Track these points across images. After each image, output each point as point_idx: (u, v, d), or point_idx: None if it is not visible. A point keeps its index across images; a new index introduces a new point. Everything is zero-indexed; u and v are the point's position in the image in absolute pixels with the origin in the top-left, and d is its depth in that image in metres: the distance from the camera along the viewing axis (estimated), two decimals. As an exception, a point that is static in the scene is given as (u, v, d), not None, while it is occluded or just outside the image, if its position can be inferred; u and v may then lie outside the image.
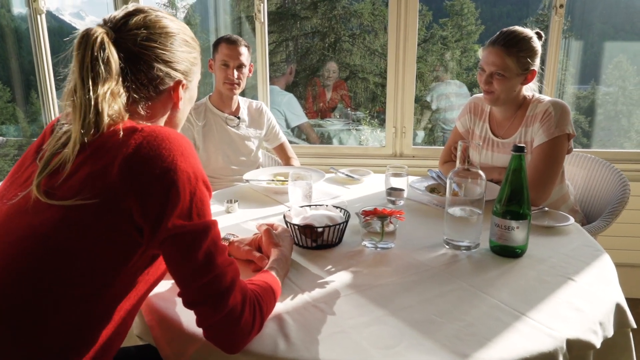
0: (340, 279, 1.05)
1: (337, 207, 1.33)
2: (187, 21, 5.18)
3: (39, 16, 1.96)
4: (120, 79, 0.82)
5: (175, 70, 0.90)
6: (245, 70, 2.11)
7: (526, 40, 1.61)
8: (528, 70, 1.63)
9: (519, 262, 1.14)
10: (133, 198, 0.73)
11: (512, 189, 1.14)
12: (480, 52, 1.71)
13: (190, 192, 0.75)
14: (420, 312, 0.91)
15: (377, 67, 6.26)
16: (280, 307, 0.93)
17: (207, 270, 0.75)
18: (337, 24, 7.17)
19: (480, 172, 1.18)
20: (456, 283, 1.03)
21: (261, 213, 1.53)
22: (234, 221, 1.44)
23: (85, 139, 0.77)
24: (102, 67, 0.78)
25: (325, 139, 3.45)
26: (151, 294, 0.93)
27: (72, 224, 0.73)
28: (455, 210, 1.19)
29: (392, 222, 1.20)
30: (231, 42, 2.04)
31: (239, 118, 2.20)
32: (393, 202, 1.59)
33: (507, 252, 1.16)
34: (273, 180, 1.80)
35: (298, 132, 3.37)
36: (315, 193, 1.71)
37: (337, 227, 1.21)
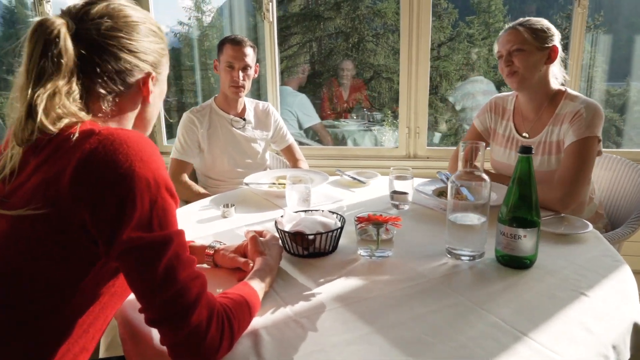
0: (329, 290, 0.98)
1: (333, 213, 1.25)
2: (213, 24, 5.18)
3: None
4: (75, 76, 0.76)
5: (143, 61, 0.84)
6: (251, 72, 2.06)
7: (539, 20, 1.56)
8: (548, 45, 1.55)
9: (527, 273, 1.04)
10: (85, 208, 0.68)
11: (519, 193, 1.05)
12: (495, 46, 1.63)
13: (150, 201, 0.69)
14: (410, 330, 0.83)
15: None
16: (258, 321, 0.86)
17: (168, 286, 0.69)
18: (360, 24, 7.09)
19: (484, 175, 1.09)
20: (454, 297, 0.94)
21: (259, 218, 1.47)
22: (228, 227, 1.39)
23: (31, 139, 0.72)
24: (50, 63, 0.73)
25: (340, 141, 3.37)
26: (127, 304, 0.88)
27: (21, 236, 0.69)
28: (457, 217, 1.10)
29: (389, 230, 1.12)
30: (236, 43, 1.99)
31: (244, 119, 2.16)
32: (397, 207, 1.50)
33: (515, 262, 1.06)
34: (274, 184, 1.74)
35: (311, 134, 3.30)
36: (317, 196, 1.65)
37: (330, 234, 1.14)
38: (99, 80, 0.79)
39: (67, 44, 0.74)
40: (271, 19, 2.55)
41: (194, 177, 2.21)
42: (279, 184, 1.74)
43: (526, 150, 1.04)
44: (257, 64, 2.12)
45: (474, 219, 1.10)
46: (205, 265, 1.10)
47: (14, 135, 0.74)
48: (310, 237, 1.12)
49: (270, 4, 2.52)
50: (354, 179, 1.83)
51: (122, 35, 0.80)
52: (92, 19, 0.78)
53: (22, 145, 0.73)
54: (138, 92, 0.87)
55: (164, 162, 0.75)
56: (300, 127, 3.17)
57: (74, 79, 0.76)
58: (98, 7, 0.79)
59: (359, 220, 1.13)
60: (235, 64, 2.00)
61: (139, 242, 0.68)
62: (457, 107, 3.84)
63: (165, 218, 0.71)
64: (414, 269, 1.07)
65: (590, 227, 1.25)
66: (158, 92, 0.92)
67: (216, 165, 2.12)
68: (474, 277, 1.03)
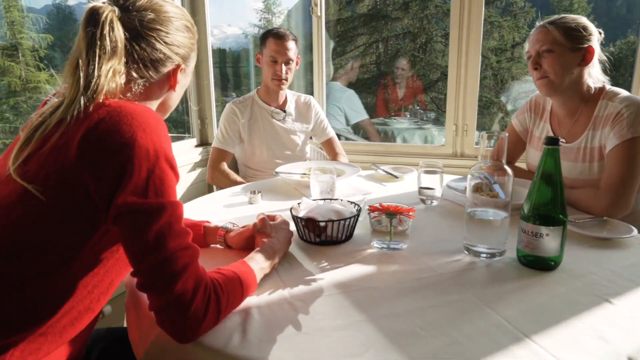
0: (332, 277, 0.97)
1: (352, 203, 1.23)
2: (282, 25, 5.29)
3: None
4: (124, 58, 0.83)
5: (176, 53, 0.91)
6: (293, 65, 2.08)
7: (575, 19, 1.40)
8: (583, 46, 1.39)
9: (548, 275, 0.96)
10: (88, 173, 0.72)
11: (543, 189, 0.97)
12: (525, 45, 1.50)
13: (148, 169, 0.72)
14: (405, 322, 0.79)
15: None
16: (253, 300, 0.87)
17: (157, 252, 0.72)
18: (428, 24, 6.93)
19: (507, 168, 1.02)
20: (460, 294, 0.89)
21: (284, 206, 1.48)
22: (252, 212, 1.41)
23: (75, 111, 0.77)
24: (109, 45, 0.79)
25: (389, 138, 3.31)
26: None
27: (32, 197, 0.74)
28: (476, 211, 1.04)
29: (402, 221, 1.08)
30: (279, 37, 2.02)
31: (285, 112, 2.18)
32: (424, 202, 1.45)
33: (536, 263, 0.98)
34: (305, 174, 1.74)
35: (359, 131, 3.27)
36: (346, 188, 1.63)
37: (343, 223, 1.12)
38: (135, 65, 0.85)
39: (119, 28, 0.81)
40: (319, 14, 2.55)
41: (235, 166, 2.28)
42: (310, 174, 1.73)
43: (552, 141, 0.95)
44: (299, 56, 2.13)
45: (494, 214, 1.03)
46: (218, 246, 1.13)
47: (60, 109, 0.78)
48: (322, 224, 1.11)
49: (319, -2, 2.53)
50: (388, 173, 1.79)
51: (160, 28, 0.87)
52: (137, 10, 0.85)
53: (70, 120, 0.77)
54: (166, 80, 0.92)
55: (167, 136, 0.78)
56: (348, 123, 3.16)
57: (123, 61, 0.82)
58: (143, 1, 0.86)
59: (371, 209, 1.10)
60: (279, 58, 2.02)
61: (132, 207, 0.71)
62: (509, 107, 3.63)
63: (162, 187, 0.74)
64: (425, 263, 1.02)
65: (635, 232, 1.13)
66: (184, 82, 0.98)
67: (255, 156, 2.16)
68: (487, 275, 0.97)
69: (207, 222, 1.15)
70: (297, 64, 2.13)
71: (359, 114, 3.22)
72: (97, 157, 0.72)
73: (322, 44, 2.62)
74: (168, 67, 0.90)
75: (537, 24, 1.48)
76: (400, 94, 4.19)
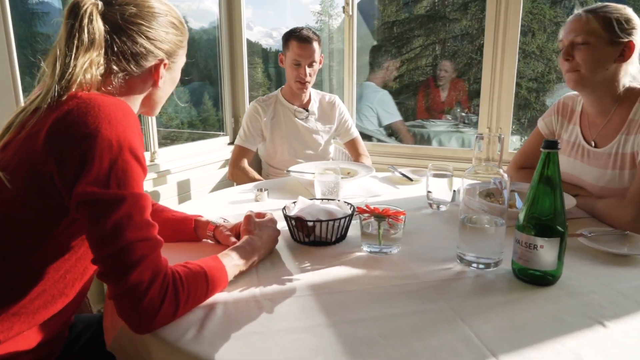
0: (309, 278, 0.94)
1: (348, 204, 1.20)
2: (339, 28, 5.31)
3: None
4: (103, 50, 0.85)
5: (159, 48, 0.92)
6: (317, 66, 2.07)
7: (619, 9, 1.26)
8: (623, 40, 1.25)
9: (542, 291, 0.88)
10: (53, 162, 0.74)
11: (540, 196, 0.89)
12: (560, 33, 1.38)
13: (110, 160, 0.73)
14: (367, 329, 0.75)
15: (533, 70, 5.65)
16: (221, 296, 0.86)
17: (114, 242, 0.73)
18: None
19: (502, 171, 0.94)
20: (437, 303, 0.83)
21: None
22: (254, 209, 1.41)
23: (49, 100, 0.80)
24: (87, 37, 0.82)
25: (425, 141, 3.21)
26: None
27: (3, 183, 0.77)
28: (470, 218, 0.97)
29: (393, 224, 1.04)
30: (302, 40, 2.01)
31: (307, 111, 2.17)
32: (431, 206, 1.38)
33: (532, 277, 0.90)
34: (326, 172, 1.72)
35: (393, 132, 3.19)
36: (357, 189, 1.60)
37: (332, 223, 1.09)
38: (115, 58, 0.87)
39: (98, 21, 0.83)
40: (350, 13, 2.52)
41: (258, 164, 2.30)
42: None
43: (551, 144, 0.87)
44: (322, 54, 2.12)
45: (488, 221, 0.96)
46: (209, 241, 1.14)
47: (39, 97, 0.82)
48: (310, 224, 1.09)
49: (351, -3, 2.50)
50: (403, 175, 1.73)
51: (142, 22, 0.88)
52: (119, 4, 0.87)
53: (44, 109, 0.81)
54: (149, 75, 0.93)
55: (135, 129, 0.78)
56: (380, 124, 3.10)
57: (102, 54, 0.85)
58: None
59: (359, 211, 1.06)
60: (302, 61, 2.02)
61: (92, 196, 0.73)
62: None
63: (125, 179, 0.75)
64: (412, 269, 0.97)
65: (657, 249, 1.01)
66: (169, 78, 0.99)
67: (277, 154, 2.17)
68: (474, 286, 0.90)
69: (199, 216, 1.16)
70: (320, 63, 2.12)
71: (392, 115, 3.15)
72: (62, 147, 0.74)
73: (353, 44, 2.59)
74: (150, 62, 0.91)
75: (576, 10, 1.35)
76: (443, 96, 4.05)
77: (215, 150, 2.71)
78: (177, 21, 0.95)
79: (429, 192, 1.38)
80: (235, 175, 2.09)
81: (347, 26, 2.57)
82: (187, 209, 1.41)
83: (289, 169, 1.75)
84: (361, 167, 1.80)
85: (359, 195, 1.55)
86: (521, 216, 0.91)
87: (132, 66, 0.89)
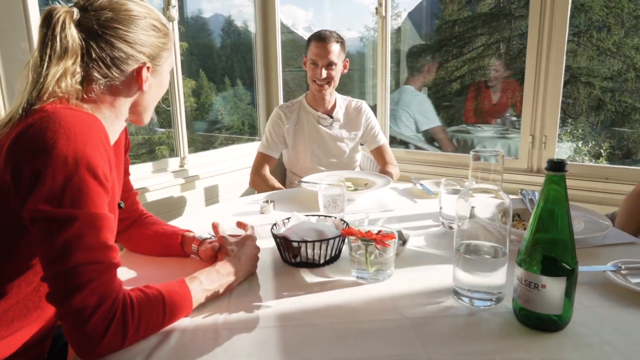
0: (281, 306, 0.86)
1: (344, 222, 1.11)
2: (398, 29, 5.21)
3: (171, 23, 2.23)
4: (79, 58, 0.83)
5: (139, 52, 0.89)
6: (337, 68, 1.98)
7: None
8: None
9: (543, 339, 0.74)
10: (10, 176, 0.73)
11: (544, 226, 0.75)
12: None
13: (64, 177, 0.70)
14: (322, 374, 0.67)
15: (608, 69, 5.21)
16: (183, 322, 0.81)
17: (60, 262, 0.69)
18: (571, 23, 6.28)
19: (500, 190, 0.82)
20: (413, 348, 0.73)
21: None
22: (258, 222, 1.35)
23: (20, 111, 0.79)
24: (59, 45, 0.80)
25: (468, 147, 3.00)
26: None
27: None
28: (466, 246, 0.85)
29: (379, 250, 0.94)
30: (320, 40, 1.94)
31: (332, 117, 2.09)
32: (443, 225, 1.26)
33: (536, 319, 0.76)
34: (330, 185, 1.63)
35: (432, 137, 3.01)
36: (370, 202, 1.50)
37: (319, 244, 1.00)
38: (94, 65, 0.85)
39: (71, 29, 0.81)
40: (384, 14, 2.41)
41: (283, 172, 2.25)
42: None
43: (557, 166, 0.73)
44: (347, 59, 2.03)
45: (487, 250, 0.84)
46: (197, 257, 1.09)
47: (14, 109, 0.81)
48: (295, 244, 1.01)
49: (384, -2, 2.39)
50: (424, 188, 1.60)
51: (119, 26, 0.85)
52: (94, 10, 0.85)
53: (14, 118, 0.79)
54: (133, 80, 0.90)
55: (98, 145, 0.75)
56: (418, 130, 2.93)
57: (78, 61, 0.83)
58: (102, 1, 0.85)
59: (345, 233, 0.97)
60: (319, 61, 1.95)
61: (41, 214, 0.70)
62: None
63: (80, 197, 0.71)
64: (396, 302, 0.87)
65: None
66: (155, 82, 0.95)
67: (299, 162, 2.11)
68: (463, 328, 0.78)
69: (188, 231, 1.12)
70: (345, 68, 2.03)
71: (430, 121, 2.97)
72: (19, 161, 0.73)
73: (387, 46, 2.47)
74: (132, 66, 0.88)
75: None
76: (495, 98, 3.80)
77: (245, 156, 2.69)
78: (158, 23, 0.92)
79: (440, 208, 1.26)
80: (255, 182, 2.05)
81: (380, 28, 2.46)
82: (189, 220, 1.39)
83: (301, 179, 1.68)
84: (379, 178, 1.69)
85: (371, 209, 1.45)
86: (521, 247, 0.78)
87: (113, 72, 0.86)
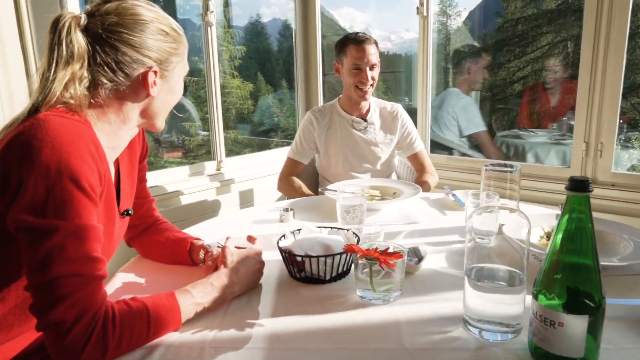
0: (273, 325, 0.82)
1: (356, 236, 1.05)
2: (457, 29, 5.07)
3: (209, 28, 2.26)
4: (86, 62, 0.83)
5: (145, 56, 0.87)
6: (377, 70, 1.92)
7: None
8: None
9: (559, 386, 0.64)
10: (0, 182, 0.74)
11: (564, 254, 0.65)
12: None
13: (46, 187, 0.70)
14: (299, 408, 0.61)
15: None
16: (171, 336, 0.78)
17: (40, 273, 0.69)
18: (634, 16, 5.84)
19: (524, 217, 0.72)
20: (404, 384, 0.65)
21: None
22: (273, 231, 1.31)
23: (24, 116, 0.80)
24: (65, 50, 0.81)
25: (518, 154, 2.79)
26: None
27: None
28: (477, 270, 0.76)
29: (386, 269, 0.86)
30: (360, 42, 1.87)
31: (366, 121, 2.02)
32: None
33: (552, 361, 0.67)
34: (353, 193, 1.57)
35: (475, 143, 2.83)
36: (395, 213, 1.43)
37: (322, 259, 0.94)
38: (100, 69, 0.85)
39: (76, 34, 0.82)
40: (425, 14, 2.30)
41: (316, 177, 2.21)
42: (364, 194, 1.55)
43: (580, 185, 0.63)
44: (379, 59, 1.95)
45: (501, 275, 0.74)
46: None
47: (21, 113, 0.83)
48: (299, 259, 0.96)
49: (425, -3, 2.28)
50: (456, 199, 1.50)
51: (124, 30, 0.85)
52: (100, 15, 0.85)
53: (17, 122, 0.81)
54: (139, 85, 0.89)
55: (84, 155, 0.74)
56: (461, 135, 2.77)
57: (85, 66, 0.84)
58: (110, 5, 0.86)
59: (348, 249, 0.90)
60: (362, 65, 1.88)
61: (23, 224, 0.70)
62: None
63: (62, 208, 0.71)
64: (398, 329, 0.79)
65: None
66: (166, 88, 0.93)
67: (331, 167, 2.05)
68: (466, 365, 0.70)
69: (198, 238, 1.11)
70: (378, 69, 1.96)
71: (474, 125, 2.80)
72: (7, 167, 0.73)
73: (428, 47, 2.36)
74: (138, 70, 0.87)
75: None
76: (553, 101, 3.53)
77: (281, 160, 2.68)
78: (167, 28, 0.90)
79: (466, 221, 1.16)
80: (283, 188, 2.02)
81: (422, 29, 2.35)
82: (207, 227, 1.38)
83: (325, 187, 1.62)
84: (408, 187, 1.60)
85: (395, 221, 1.37)
86: (538, 277, 0.68)
87: (119, 76, 0.86)
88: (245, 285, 0.93)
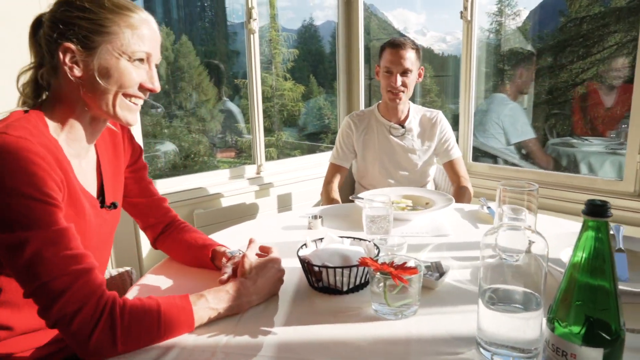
0: (286, 336, 0.83)
1: (376, 248, 1.04)
2: (515, 29, 4.93)
3: (252, 35, 2.32)
4: (39, 61, 0.88)
5: (60, 33, 0.83)
6: (412, 76, 1.88)
7: None
8: None
9: (569, 420, 0.61)
10: None
11: (580, 281, 0.62)
12: None
13: (4, 205, 0.73)
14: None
15: None
16: (187, 339, 0.82)
17: (29, 283, 0.74)
18: None
19: (538, 235, 0.69)
20: (406, 404, 0.64)
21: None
22: (298, 239, 1.33)
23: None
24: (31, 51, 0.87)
25: (570, 164, 2.63)
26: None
27: None
28: (491, 293, 0.74)
29: (400, 284, 0.85)
30: (394, 46, 1.86)
31: (404, 127, 1.99)
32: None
33: (565, 393, 0.63)
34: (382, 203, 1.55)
35: (524, 152, 2.69)
36: (424, 224, 1.40)
37: (339, 270, 0.95)
38: (36, 66, 0.88)
39: (37, 34, 0.87)
40: (469, 18, 2.24)
41: (352, 183, 2.20)
42: (394, 203, 1.53)
43: (598, 210, 0.60)
44: (422, 67, 1.91)
45: (517, 298, 0.71)
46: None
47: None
48: (316, 269, 0.97)
49: (470, 0, 2.21)
50: (490, 212, 1.44)
51: (53, 10, 0.85)
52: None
53: None
54: (61, 67, 0.84)
55: (23, 165, 0.75)
56: (508, 142, 2.65)
57: (36, 66, 0.89)
58: None
59: (363, 262, 0.90)
60: (394, 69, 1.86)
61: None
62: None
63: (27, 220, 0.74)
64: (407, 349, 0.78)
65: None
66: (95, 67, 0.85)
67: (368, 173, 2.04)
68: (472, 389, 0.68)
69: (220, 245, 1.14)
70: (419, 76, 1.92)
71: (522, 132, 2.67)
72: None
73: (472, 51, 2.29)
74: (54, 46, 0.83)
75: None
76: (611, 104, 3.31)
77: (319, 165, 2.70)
78: (90, 3, 0.84)
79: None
80: (322, 194, 2.04)
81: (466, 33, 2.29)
82: (239, 230, 1.42)
83: (356, 195, 1.62)
84: (442, 197, 1.57)
85: (425, 232, 1.34)
86: (552, 304, 0.65)
87: (46, 62, 0.85)
88: (263, 295, 0.94)
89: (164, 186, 2.17)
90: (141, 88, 0.90)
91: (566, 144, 2.83)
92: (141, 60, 0.89)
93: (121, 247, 1.79)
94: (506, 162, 2.69)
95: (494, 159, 2.71)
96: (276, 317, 0.90)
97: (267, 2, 3.68)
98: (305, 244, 1.08)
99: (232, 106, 3.33)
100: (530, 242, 1.09)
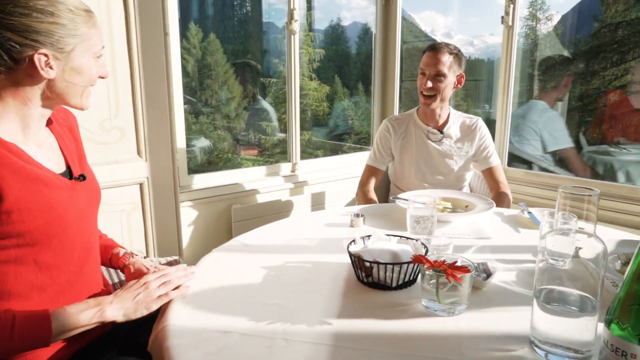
0: (340, 326, 0.87)
1: (424, 247, 1.07)
2: (547, 34, 4.87)
3: (292, 36, 2.37)
4: None
5: (31, 39, 0.87)
6: (447, 81, 1.89)
7: None
8: None
9: (627, 419, 0.62)
10: None
11: (642, 285, 0.64)
12: None
13: None
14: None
15: None
16: (246, 325, 0.86)
17: None
18: None
19: (587, 229, 0.71)
20: (464, 395, 0.67)
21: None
22: (342, 236, 1.36)
23: None
24: None
25: (607, 172, 2.59)
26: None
27: None
28: (546, 293, 0.76)
29: (452, 282, 0.88)
30: (431, 49, 1.88)
31: (442, 133, 2.01)
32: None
33: (622, 394, 0.65)
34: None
35: (560, 159, 2.65)
36: (465, 227, 1.42)
37: (390, 267, 0.98)
38: None
39: None
40: (510, 23, 2.23)
41: (388, 185, 2.23)
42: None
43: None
44: (462, 73, 1.93)
45: (572, 300, 0.73)
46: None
47: None
48: (367, 264, 1.00)
49: (512, 6, 2.21)
50: (531, 217, 1.45)
51: (4, 16, 0.85)
52: None
53: None
54: (30, 68, 0.88)
55: None
56: (545, 150, 2.62)
57: None
58: None
59: (416, 259, 0.93)
60: (427, 71, 1.88)
61: None
62: None
63: None
64: (460, 343, 0.81)
65: None
66: (68, 68, 0.92)
67: (404, 176, 2.07)
68: (528, 385, 0.70)
69: (121, 247, 1.20)
70: (459, 83, 1.93)
71: (559, 140, 2.64)
72: None
73: (512, 57, 2.29)
74: (27, 54, 0.87)
75: None
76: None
77: (353, 165, 2.73)
78: (57, 9, 0.88)
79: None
80: (358, 195, 2.07)
81: (506, 39, 2.28)
82: (283, 225, 1.46)
83: (397, 196, 1.64)
84: (482, 200, 1.58)
85: (466, 234, 1.36)
86: (612, 305, 0.67)
87: (6, 59, 0.87)
88: (117, 307, 0.93)
89: (202, 181, 2.23)
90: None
91: (602, 152, 2.79)
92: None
93: (164, 240, 1.86)
94: (540, 168, 2.67)
95: (527, 164, 2.69)
96: (328, 309, 0.94)
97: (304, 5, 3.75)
98: (354, 240, 1.11)
99: (266, 105, 3.39)
100: (578, 248, 1.10)
